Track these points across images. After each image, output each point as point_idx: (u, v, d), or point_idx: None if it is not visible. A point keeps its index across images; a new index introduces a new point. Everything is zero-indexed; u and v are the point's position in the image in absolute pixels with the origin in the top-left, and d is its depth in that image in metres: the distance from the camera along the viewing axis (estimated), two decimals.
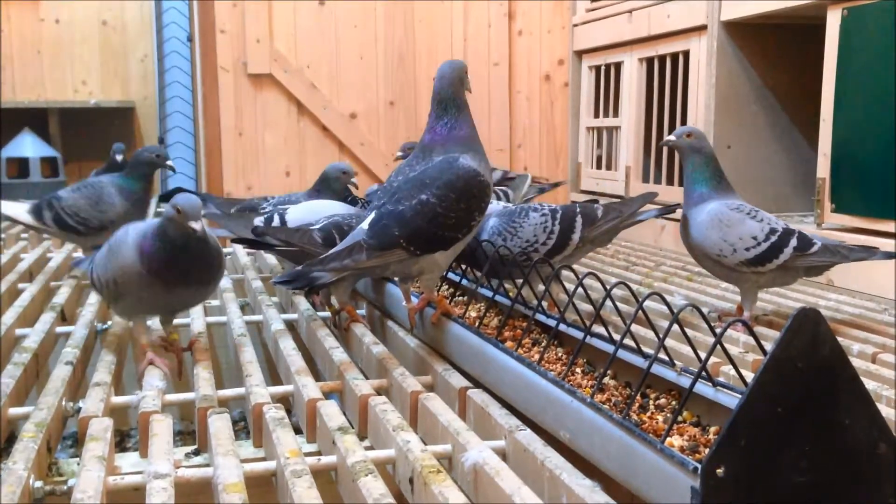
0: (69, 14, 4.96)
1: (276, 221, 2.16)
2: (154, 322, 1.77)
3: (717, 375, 1.52)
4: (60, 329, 1.89)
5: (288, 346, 1.68)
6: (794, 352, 0.83)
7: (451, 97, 1.54)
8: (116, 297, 1.56)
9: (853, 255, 1.82)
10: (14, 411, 1.35)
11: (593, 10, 3.61)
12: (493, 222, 1.89)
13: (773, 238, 1.76)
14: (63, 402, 1.36)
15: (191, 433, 2.09)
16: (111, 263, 1.53)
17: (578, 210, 1.88)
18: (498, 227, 1.87)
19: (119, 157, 2.36)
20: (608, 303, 1.25)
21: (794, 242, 1.77)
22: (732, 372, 1.51)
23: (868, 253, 1.83)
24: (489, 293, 1.64)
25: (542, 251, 1.85)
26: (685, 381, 1.16)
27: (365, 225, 1.49)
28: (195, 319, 1.94)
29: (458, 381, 1.44)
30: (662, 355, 1.17)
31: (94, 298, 2.15)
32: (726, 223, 1.77)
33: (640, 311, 1.14)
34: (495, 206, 1.94)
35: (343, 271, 1.54)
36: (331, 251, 1.47)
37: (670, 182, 3.14)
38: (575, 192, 3.74)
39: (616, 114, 3.49)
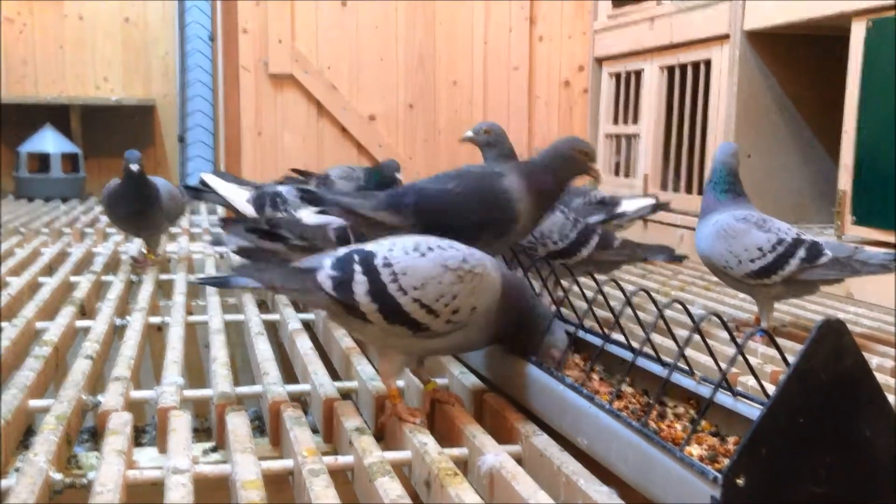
0: (92, 11, 5.00)
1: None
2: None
3: (735, 385, 1.52)
4: (80, 323, 1.91)
5: (305, 345, 1.69)
6: (817, 363, 0.83)
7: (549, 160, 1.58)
8: None
9: (865, 269, 1.77)
10: (34, 403, 1.36)
11: (615, 16, 3.60)
12: None
13: (780, 249, 1.73)
14: (83, 396, 1.37)
15: (206, 430, 2.10)
16: None
17: (598, 231, 1.89)
18: None
19: (135, 168, 2.35)
20: (626, 309, 1.25)
21: (801, 253, 1.73)
22: (751, 382, 1.50)
23: (881, 268, 1.79)
24: None
25: (548, 249, 1.87)
26: (704, 391, 1.16)
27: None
28: (213, 317, 1.94)
29: (473, 383, 1.44)
30: (681, 364, 1.17)
31: (113, 293, 2.17)
32: (731, 234, 1.76)
33: (659, 319, 1.14)
34: None
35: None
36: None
37: (689, 190, 3.13)
38: None
39: (635, 121, 3.48)
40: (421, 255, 1.19)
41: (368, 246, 1.24)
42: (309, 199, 1.63)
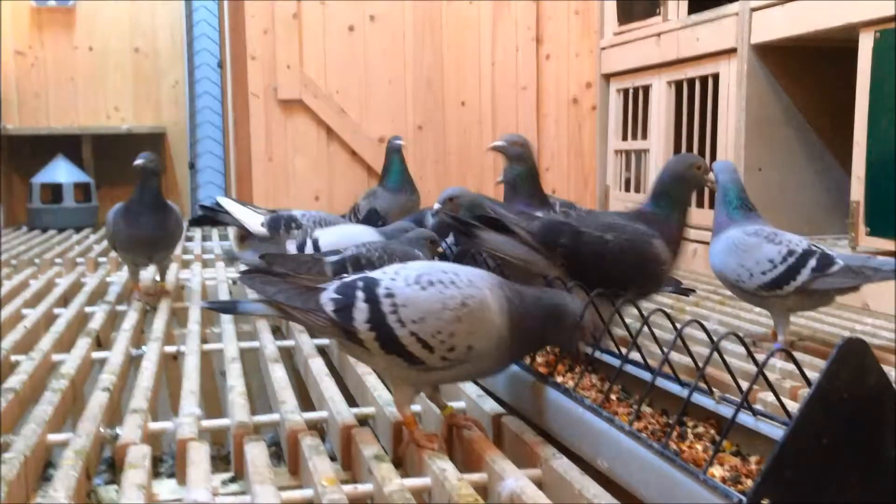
0: (102, 42, 5.05)
1: (308, 246, 2.17)
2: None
3: (755, 402, 1.50)
4: (96, 354, 1.91)
5: (320, 370, 1.68)
6: (839, 382, 0.82)
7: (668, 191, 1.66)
8: None
9: (877, 276, 1.77)
10: (53, 437, 1.37)
11: (621, 32, 3.61)
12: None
13: (791, 260, 1.73)
14: (101, 429, 1.37)
15: (223, 457, 2.10)
16: None
17: None
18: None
19: (141, 162, 2.26)
20: (643, 328, 1.24)
21: (812, 263, 1.73)
22: (770, 398, 1.49)
23: (894, 273, 1.77)
24: None
25: None
26: (724, 410, 1.15)
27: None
28: (228, 345, 1.95)
29: (491, 407, 1.44)
30: (700, 383, 1.16)
31: (128, 324, 2.17)
32: (742, 248, 1.76)
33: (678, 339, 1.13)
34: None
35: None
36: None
37: (700, 204, 3.12)
38: None
39: (645, 136, 3.48)
40: (422, 289, 1.17)
41: (374, 273, 1.24)
42: (486, 220, 1.64)
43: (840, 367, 0.82)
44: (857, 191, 2.38)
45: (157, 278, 2.59)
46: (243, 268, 2.14)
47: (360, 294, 1.19)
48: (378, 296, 1.18)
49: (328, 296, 1.21)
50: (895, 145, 2.26)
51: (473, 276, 1.21)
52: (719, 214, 1.84)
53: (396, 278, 1.20)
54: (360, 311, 1.17)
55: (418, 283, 1.18)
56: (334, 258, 1.90)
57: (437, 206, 2.00)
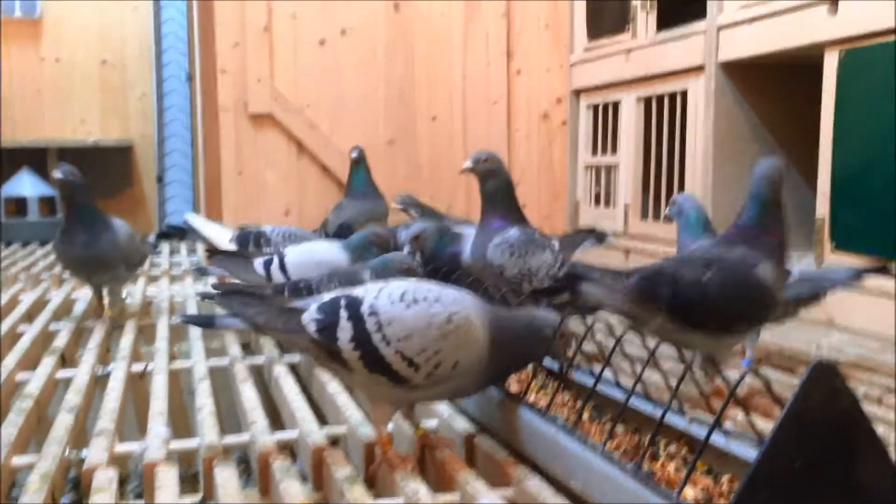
0: (69, 53, 4.99)
1: (275, 263, 2.15)
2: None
3: (725, 419, 1.51)
4: (61, 373, 1.88)
5: (291, 389, 1.67)
6: (811, 404, 0.83)
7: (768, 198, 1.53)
8: None
9: (832, 286, 1.77)
10: (17, 461, 1.34)
11: (591, 48, 3.64)
12: (509, 236, 1.91)
13: None
14: (66, 451, 1.34)
15: (191, 476, 2.07)
16: None
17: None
18: (510, 242, 1.90)
19: (59, 175, 2.10)
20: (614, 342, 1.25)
21: None
22: (739, 416, 1.50)
23: (848, 279, 1.77)
24: None
25: (532, 285, 1.87)
26: (696, 429, 1.16)
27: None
28: (197, 363, 1.92)
29: (463, 426, 1.43)
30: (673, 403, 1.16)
31: (93, 341, 2.14)
32: None
33: (650, 360, 1.13)
34: (514, 230, 1.96)
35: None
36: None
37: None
38: (573, 229, 3.75)
39: (614, 152, 3.51)
40: (406, 307, 1.16)
41: (356, 291, 1.23)
42: (572, 274, 1.58)
43: (811, 389, 0.83)
44: (823, 207, 2.41)
45: (105, 302, 2.37)
46: (213, 281, 2.12)
47: (343, 313, 1.17)
48: (362, 314, 1.17)
49: (310, 316, 1.20)
50: (860, 163, 2.29)
51: (456, 294, 1.21)
52: (683, 238, 1.87)
53: (379, 296, 1.18)
54: (344, 329, 1.16)
55: (402, 301, 1.17)
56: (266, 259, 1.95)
57: (469, 164, 1.99)
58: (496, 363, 1.21)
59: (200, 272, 2.33)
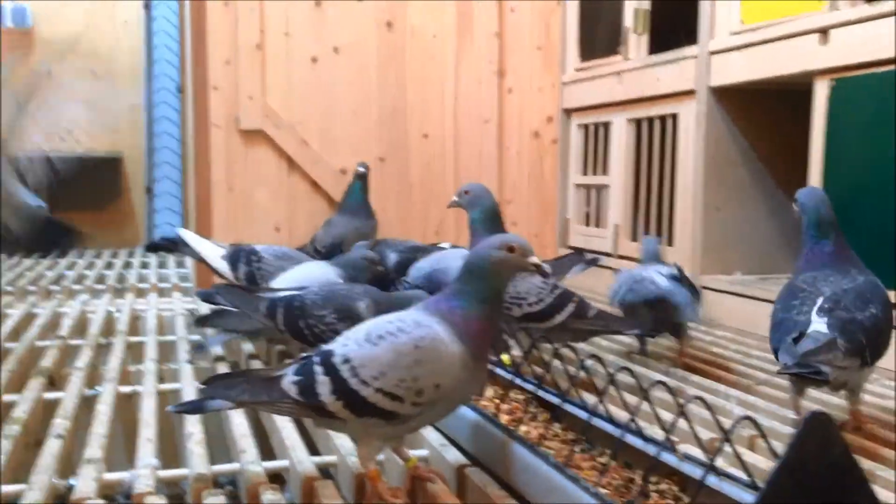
0: (59, 64, 4.97)
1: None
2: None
3: (713, 452, 1.52)
4: (49, 395, 1.86)
5: (281, 417, 1.66)
6: (805, 454, 0.83)
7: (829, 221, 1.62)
8: None
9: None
10: (5, 489, 1.32)
11: (583, 69, 3.66)
12: None
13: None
14: (55, 480, 1.33)
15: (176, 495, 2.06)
16: None
17: (576, 299, 1.90)
18: None
19: None
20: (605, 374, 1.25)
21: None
22: (727, 448, 1.50)
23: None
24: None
25: (522, 311, 1.88)
26: (688, 468, 1.16)
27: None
28: (185, 386, 1.91)
29: (454, 457, 1.43)
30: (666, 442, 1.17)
31: (82, 360, 2.12)
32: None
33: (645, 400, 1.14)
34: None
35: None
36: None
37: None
38: (563, 248, 3.76)
39: (605, 172, 3.52)
40: (374, 346, 1.18)
41: (327, 346, 1.26)
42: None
43: (806, 439, 0.83)
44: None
45: None
46: (205, 309, 2.11)
47: (318, 369, 1.20)
48: (335, 365, 1.19)
49: (289, 380, 1.22)
50: (848, 190, 2.31)
51: (416, 315, 1.22)
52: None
53: (348, 343, 1.22)
54: (323, 384, 1.19)
55: (369, 341, 1.20)
56: (272, 297, 1.93)
57: (455, 198, 2.09)
58: (479, 357, 1.21)
59: (198, 348, 2.24)
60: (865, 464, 1.30)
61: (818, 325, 1.37)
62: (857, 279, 1.50)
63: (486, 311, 1.19)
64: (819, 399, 1.69)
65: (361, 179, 3.25)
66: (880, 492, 1.20)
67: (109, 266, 4.09)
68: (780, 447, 1.32)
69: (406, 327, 1.19)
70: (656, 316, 1.94)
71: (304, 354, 1.29)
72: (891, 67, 2.15)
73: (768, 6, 2.59)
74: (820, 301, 1.43)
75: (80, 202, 4.92)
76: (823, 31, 2.33)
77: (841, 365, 1.33)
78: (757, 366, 2.10)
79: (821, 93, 2.36)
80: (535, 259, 1.21)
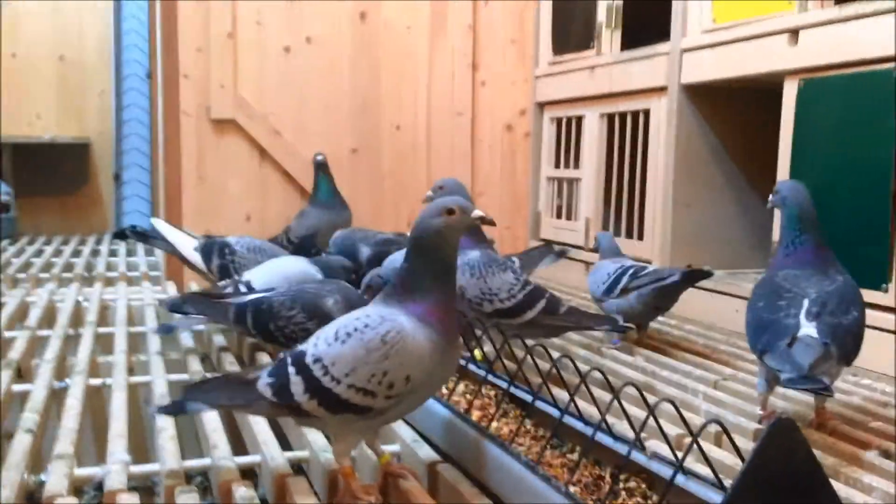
0: (26, 49, 4.90)
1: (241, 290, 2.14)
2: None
3: (680, 448, 1.54)
4: (17, 388, 1.85)
5: None
6: (770, 458, 0.85)
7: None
8: None
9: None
10: None
11: (556, 63, 3.67)
12: (470, 258, 1.93)
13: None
14: (25, 476, 1.33)
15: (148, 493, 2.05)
16: None
17: (547, 295, 1.92)
18: (471, 263, 1.91)
19: None
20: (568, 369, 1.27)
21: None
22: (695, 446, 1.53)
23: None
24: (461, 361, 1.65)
25: (494, 307, 1.89)
26: (656, 466, 1.18)
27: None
28: (156, 379, 1.91)
29: (427, 454, 1.44)
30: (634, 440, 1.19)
31: (51, 352, 2.11)
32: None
33: (615, 401, 1.16)
34: (474, 252, 1.97)
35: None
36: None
37: (629, 235, 3.19)
38: (534, 241, 3.78)
39: (577, 166, 3.54)
40: (342, 343, 1.20)
41: (301, 346, 1.27)
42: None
43: (770, 443, 0.85)
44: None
45: None
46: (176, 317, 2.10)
47: (291, 370, 1.23)
48: (307, 364, 1.21)
49: (264, 382, 1.25)
50: (815, 189, 2.34)
51: (382, 310, 1.24)
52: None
53: (318, 342, 1.24)
54: (296, 384, 1.21)
55: (337, 340, 1.22)
56: (239, 301, 1.93)
57: (429, 193, 2.03)
58: (449, 338, 1.22)
59: (165, 329, 2.23)
60: (829, 461, 1.33)
61: (808, 328, 1.37)
62: (837, 279, 1.51)
63: (444, 287, 1.22)
64: (785, 394, 1.72)
65: (322, 169, 3.27)
66: (844, 489, 1.23)
67: (77, 254, 4.05)
68: (745, 444, 1.35)
69: (372, 322, 1.21)
70: (657, 304, 2.12)
71: (281, 354, 1.31)
72: (858, 69, 2.19)
73: (740, 6, 2.61)
74: (807, 304, 1.43)
75: (46, 188, 4.86)
76: (793, 32, 2.36)
77: (834, 371, 1.36)
78: (724, 360, 2.14)
79: (790, 92, 2.39)
80: (478, 212, 1.25)
